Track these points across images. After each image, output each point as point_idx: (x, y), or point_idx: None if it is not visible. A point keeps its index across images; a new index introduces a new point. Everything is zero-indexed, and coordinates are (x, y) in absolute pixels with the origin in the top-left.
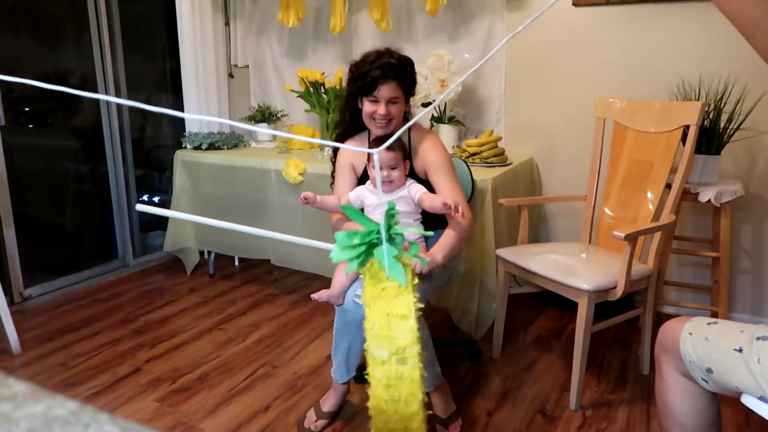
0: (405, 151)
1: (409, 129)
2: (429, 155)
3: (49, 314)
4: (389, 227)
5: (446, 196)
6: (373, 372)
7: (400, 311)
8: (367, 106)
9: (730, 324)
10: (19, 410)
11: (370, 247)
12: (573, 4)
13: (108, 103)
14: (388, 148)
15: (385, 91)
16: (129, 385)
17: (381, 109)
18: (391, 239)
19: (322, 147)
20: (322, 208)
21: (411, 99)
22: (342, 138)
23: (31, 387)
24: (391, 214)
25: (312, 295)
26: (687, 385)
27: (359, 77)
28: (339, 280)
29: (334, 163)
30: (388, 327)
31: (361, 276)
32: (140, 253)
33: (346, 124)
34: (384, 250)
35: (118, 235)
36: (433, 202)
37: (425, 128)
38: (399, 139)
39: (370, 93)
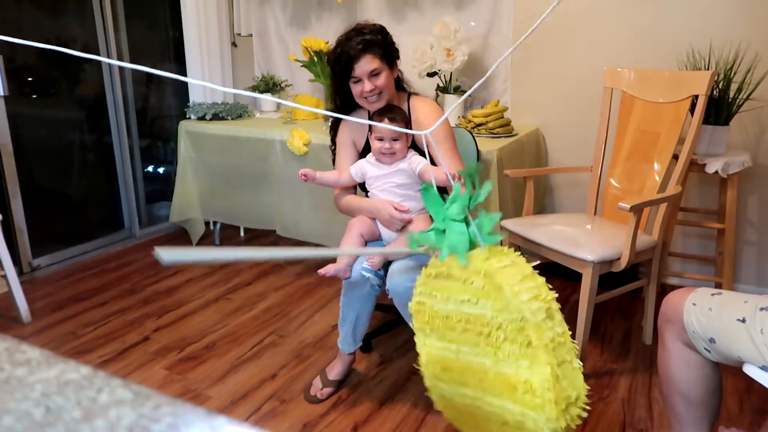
0: (407, 123)
1: (408, 98)
2: (429, 125)
3: (58, 284)
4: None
5: (445, 166)
6: (538, 338)
7: (527, 271)
8: (354, 88)
9: (734, 295)
10: (33, 375)
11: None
12: None
13: (111, 73)
14: (391, 120)
15: (363, 66)
16: (138, 353)
17: (366, 86)
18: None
19: (326, 117)
20: (322, 184)
21: (397, 64)
22: (338, 120)
23: (45, 353)
24: (469, 173)
25: (319, 271)
26: (689, 355)
27: (336, 63)
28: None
29: (332, 139)
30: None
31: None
32: (146, 223)
33: (339, 110)
34: (472, 224)
35: (123, 205)
36: (436, 174)
37: (424, 97)
38: (401, 110)
39: (350, 74)
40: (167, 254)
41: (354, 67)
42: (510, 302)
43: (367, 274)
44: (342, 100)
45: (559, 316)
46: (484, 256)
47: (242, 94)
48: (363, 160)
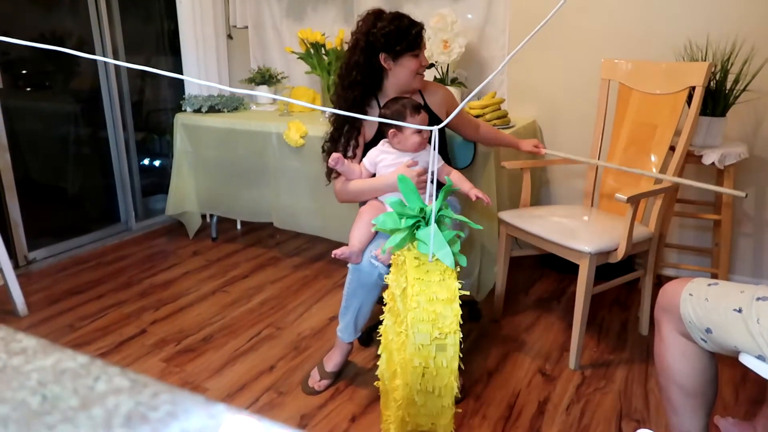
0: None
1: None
2: (453, 106)
3: (54, 277)
4: (439, 209)
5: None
6: (410, 357)
7: (444, 295)
8: (412, 63)
9: (730, 285)
10: (29, 364)
11: (415, 227)
12: None
13: (106, 66)
14: (421, 111)
15: (424, 41)
16: (135, 346)
17: (424, 60)
18: (439, 221)
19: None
20: (344, 173)
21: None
22: (352, 107)
23: (41, 342)
24: (448, 191)
25: (333, 252)
26: (686, 345)
27: (402, 36)
28: (358, 238)
29: (334, 123)
30: (433, 311)
31: (395, 256)
32: (143, 216)
33: (363, 89)
34: (431, 230)
35: (120, 199)
36: (453, 179)
37: (431, 81)
38: (422, 106)
39: (416, 47)
40: None
41: (421, 39)
42: (406, 314)
43: (376, 263)
44: (366, 81)
45: (452, 351)
46: (417, 264)
47: (239, 87)
48: (375, 148)
